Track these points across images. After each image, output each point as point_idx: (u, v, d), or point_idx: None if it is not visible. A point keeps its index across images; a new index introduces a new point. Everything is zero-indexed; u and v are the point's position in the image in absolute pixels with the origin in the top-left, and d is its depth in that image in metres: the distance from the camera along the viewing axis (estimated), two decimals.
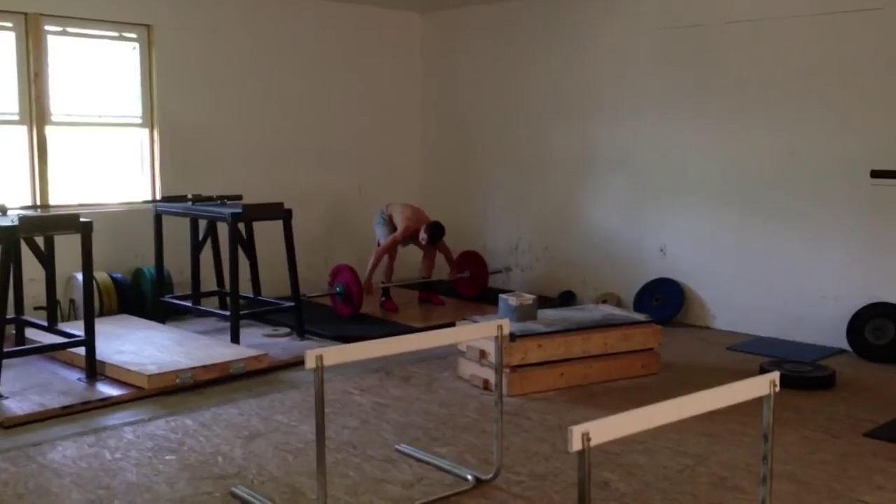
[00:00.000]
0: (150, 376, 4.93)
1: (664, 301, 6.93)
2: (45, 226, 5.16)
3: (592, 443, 2.19)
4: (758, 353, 5.93)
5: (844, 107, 6.02)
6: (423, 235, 7.16)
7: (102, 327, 5.59)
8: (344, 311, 6.93)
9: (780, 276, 6.39)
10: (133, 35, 6.95)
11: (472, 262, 7.78)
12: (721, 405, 2.64)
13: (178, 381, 5.01)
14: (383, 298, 7.30)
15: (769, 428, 2.77)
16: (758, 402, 2.78)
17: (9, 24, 6.34)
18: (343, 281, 6.92)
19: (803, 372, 5.23)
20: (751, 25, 6.40)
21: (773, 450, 2.83)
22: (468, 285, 7.73)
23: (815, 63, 6.12)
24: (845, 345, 6.00)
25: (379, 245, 7.25)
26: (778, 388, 2.74)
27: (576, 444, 2.18)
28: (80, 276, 5.53)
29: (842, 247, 6.09)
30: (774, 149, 6.36)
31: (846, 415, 4.65)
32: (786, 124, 6.29)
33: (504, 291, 6.32)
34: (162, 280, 6.67)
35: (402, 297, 7.62)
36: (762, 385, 2.73)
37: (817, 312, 6.19)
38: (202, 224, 6.63)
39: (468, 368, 5.23)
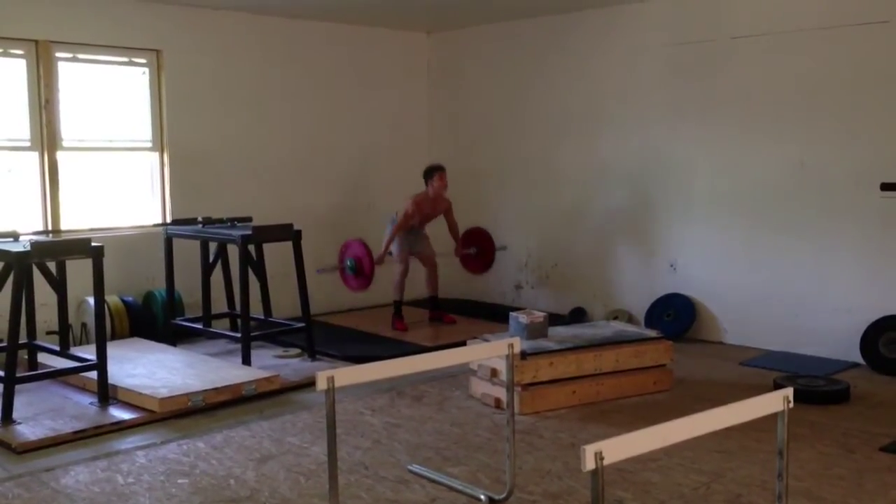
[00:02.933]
0: (161, 399, 4.94)
1: (675, 316, 6.90)
2: (56, 251, 5.19)
3: (606, 462, 2.18)
4: (771, 367, 5.90)
5: (853, 119, 6.01)
6: (437, 185, 7.15)
7: (114, 351, 5.61)
8: (355, 284, 6.89)
9: (791, 290, 6.36)
10: (142, 60, 7.01)
11: (478, 239, 7.75)
12: (735, 422, 2.62)
13: (189, 403, 5.02)
14: (394, 318, 7.28)
15: (784, 444, 2.75)
16: (772, 418, 2.76)
17: (20, 52, 6.40)
18: (353, 254, 6.88)
19: (817, 386, 5.19)
20: (757, 40, 6.42)
21: (788, 466, 2.81)
22: (474, 262, 7.73)
23: (823, 76, 6.13)
24: (859, 358, 5.96)
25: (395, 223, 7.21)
26: (792, 405, 2.73)
27: (589, 464, 2.17)
28: (91, 300, 5.56)
29: (853, 259, 6.07)
30: (784, 162, 6.36)
31: (861, 429, 4.62)
32: (795, 137, 6.29)
33: (514, 309, 6.30)
34: (173, 303, 6.69)
35: (413, 315, 7.61)
36: (776, 401, 2.71)
37: (830, 326, 6.16)
38: (212, 246, 6.65)
39: (480, 387, 5.22)
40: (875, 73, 5.88)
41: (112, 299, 6.50)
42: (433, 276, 7.52)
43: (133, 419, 4.85)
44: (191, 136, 7.19)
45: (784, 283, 6.40)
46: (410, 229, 7.30)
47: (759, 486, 3.82)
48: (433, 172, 7.26)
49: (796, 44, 6.22)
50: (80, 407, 5.07)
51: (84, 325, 6.48)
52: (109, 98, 6.90)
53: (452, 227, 7.54)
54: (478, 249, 7.76)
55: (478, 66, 8.38)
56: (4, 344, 5.02)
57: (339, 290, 8.10)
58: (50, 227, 6.52)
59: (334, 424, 3.12)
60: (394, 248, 7.31)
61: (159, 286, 6.80)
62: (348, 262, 6.93)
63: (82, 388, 5.39)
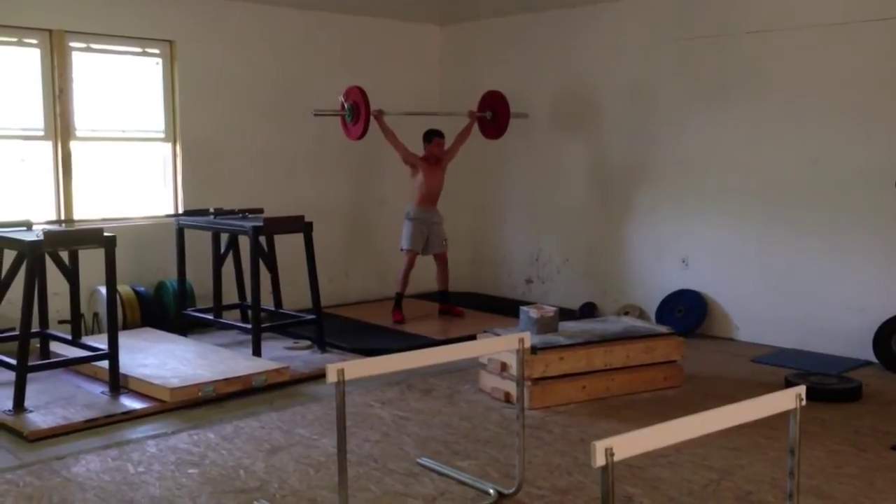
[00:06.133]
0: (172, 389, 4.96)
1: (686, 312, 6.88)
2: (69, 240, 5.21)
3: (616, 458, 2.17)
4: (782, 365, 5.87)
5: (867, 116, 5.96)
6: (435, 148, 7.34)
7: (125, 340, 5.63)
8: (353, 133, 6.98)
9: (804, 287, 6.32)
10: (156, 50, 7.02)
11: (494, 102, 7.59)
12: (746, 419, 2.61)
13: (200, 394, 5.03)
14: (394, 309, 7.27)
15: (795, 442, 2.74)
16: (783, 415, 2.75)
17: (34, 41, 6.42)
18: (352, 100, 6.92)
19: (829, 384, 5.17)
20: (771, 35, 6.37)
21: (800, 464, 2.79)
22: (489, 127, 7.63)
23: (837, 72, 6.08)
24: (871, 356, 5.92)
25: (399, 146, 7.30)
26: (804, 402, 2.71)
27: (599, 460, 2.16)
28: (103, 290, 5.58)
29: (867, 257, 6.02)
30: (797, 158, 6.32)
31: (873, 428, 4.59)
32: (808, 134, 6.25)
33: (525, 303, 6.30)
34: (184, 293, 6.71)
35: (423, 309, 7.61)
36: (788, 399, 2.69)
37: (842, 323, 6.12)
38: (224, 237, 6.67)
39: (489, 381, 5.22)
40: (891, 70, 5.83)
41: (124, 289, 6.53)
42: (443, 271, 7.52)
43: (144, 409, 4.87)
44: (203, 126, 7.20)
45: (797, 280, 6.36)
46: (425, 205, 7.32)
47: (769, 484, 3.80)
48: (432, 137, 7.35)
49: (811, 39, 6.17)
50: (91, 396, 5.09)
51: (96, 315, 6.51)
52: (123, 88, 6.91)
53: (460, 140, 7.52)
54: (493, 114, 7.57)
55: (490, 58, 8.35)
56: (17, 332, 5.05)
57: (350, 282, 8.13)
58: (63, 217, 6.55)
59: (344, 417, 3.12)
60: (406, 238, 7.30)
61: (171, 276, 6.83)
62: (347, 108, 6.94)
63: (94, 378, 5.42)
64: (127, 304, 6.55)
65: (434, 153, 7.36)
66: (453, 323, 7.26)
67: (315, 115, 6.95)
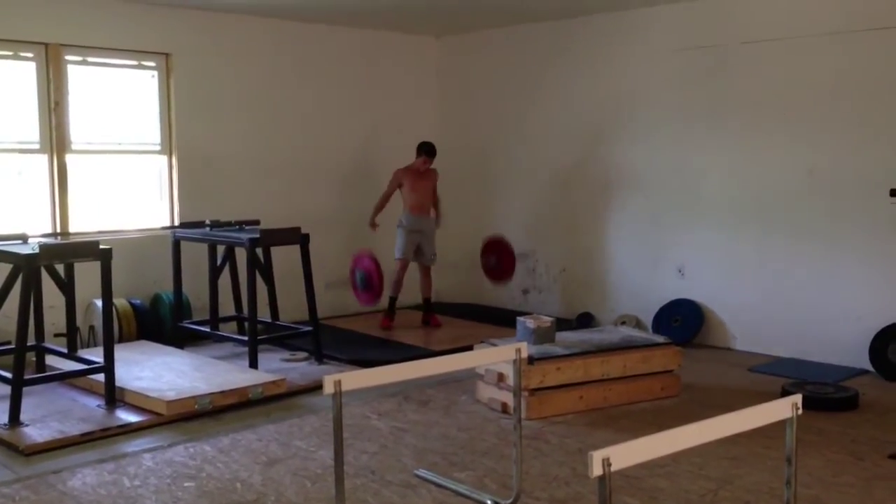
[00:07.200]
0: (168, 402, 4.94)
1: (683, 322, 6.88)
2: (64, 253, 5.21)
3: (613, 468, 2.17)
4: (779, 374, 5.87)
5: (863, 125, 5.99)
6: (419, 162, 7.45)
7: (122, 353, 5.61)
8: (366, 299, 7.10)
9: (800, 296, 6.33)
10: (152, 63, 7.03)
11: (497, 249, 7.81)
12: (743, 428, 2.61)
13: (196, 406, 5.02)
14: (385, 314, 7.32)
15: (792, 451, 2.73)
16: (780, 424, 2.74)
17: (30, 55, 6.43)
18: (364, 268, 7.06)
19: (826, 393, 5.17)
20: (768, 45, 6.40)
21: (797, 473, 2.79)
22: (494, 273, 7.84)
23: (833, 82, 6.11)
24: (868, 365, 5.93)
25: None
26: (800, 411, 2.71)
27: (596, 470, 2.16)
28: (99, 303, 5.57)
29: (863, 266, 6.04)
30: (793, 168, 6.33)
31: (870, 437, 4.59)
32: (804, 143, 6.27)
33: (522, 314, 6.29)
34: (180, 306, 6.70)
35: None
36: (784, 408, 2.69)
37: (839, 333, 6.12)
38: (220, 249, 6.66)
39: (486, 392, 5.21)
40: (885, 79, 5.86)
41: (120, 302, 6.51)
42: (427, 277, 7.56)
43: (140, 422, 4.85)
44: (199, 139, 7.20)
45: (793, 289, 6.37)
46: (417, 214, 7.40)
47: (767, 493, 3.80)
48: (421, 153, 7.46)
49: (806, 49, 6.20)
50: (87, 409, 5.08)
51: (92, 328, 6.49)
52: (118, 101, 6.92)
53: (435, 200, 7.66)
54: (496, 259, 7.81)
55: (486, 70, 8.38)
56: (12, 346, 5.03)
57: (347, 294, 8.12)
58: (58, 230, 6.54)
59: (341, 428, 3.11)
60: (398, 247, 7.35)
61: (167, 289, 6.82)
62: (358, 276, 7.01)
63: (90, 391, 5.40)
64: (123, 316, 6.53)
65: (417, 166, 7.45)
66: (449, 333, 7.25)
67: (326, 288, 7.15)
